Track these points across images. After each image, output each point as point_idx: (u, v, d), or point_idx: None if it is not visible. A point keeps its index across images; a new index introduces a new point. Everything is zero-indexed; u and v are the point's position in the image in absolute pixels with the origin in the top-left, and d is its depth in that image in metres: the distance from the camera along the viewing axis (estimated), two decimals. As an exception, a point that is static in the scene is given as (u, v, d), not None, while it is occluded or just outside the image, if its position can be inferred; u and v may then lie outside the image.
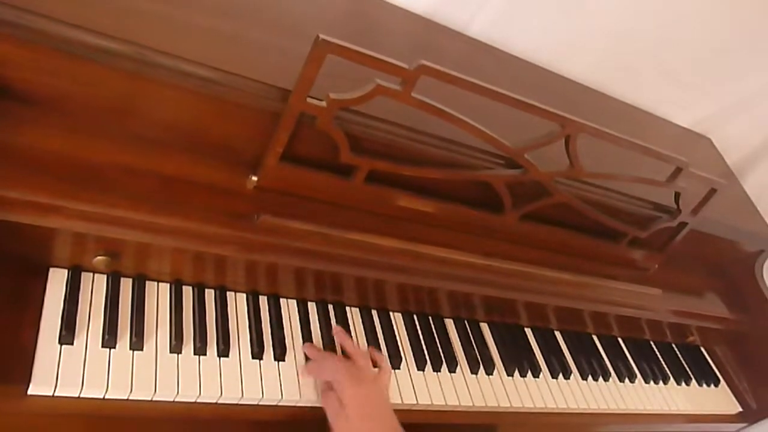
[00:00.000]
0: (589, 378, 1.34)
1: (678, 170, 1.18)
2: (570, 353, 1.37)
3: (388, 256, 1.04)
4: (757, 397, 1.60)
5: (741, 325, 1.56)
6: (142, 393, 0.87)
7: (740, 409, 1.57)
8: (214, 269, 1.01)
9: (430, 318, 1.23)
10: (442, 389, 1.12)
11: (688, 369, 1.56)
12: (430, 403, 1.09)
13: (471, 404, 1.14)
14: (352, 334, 1.11)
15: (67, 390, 0.83)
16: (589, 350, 1.41)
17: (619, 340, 1.50)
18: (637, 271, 1.39)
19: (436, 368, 1.15)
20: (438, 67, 0.90)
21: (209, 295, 1.02)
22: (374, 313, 1.17)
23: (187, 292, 1.00)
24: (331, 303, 1.13)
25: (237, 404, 0.94)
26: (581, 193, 1.19)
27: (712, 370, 1.62)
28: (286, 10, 1.15)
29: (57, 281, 0.90)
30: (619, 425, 1.37)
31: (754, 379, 1.62)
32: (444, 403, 1.11)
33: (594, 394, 1.32)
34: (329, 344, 1.06)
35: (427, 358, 1.15)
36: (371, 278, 1.11)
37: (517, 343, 1.30)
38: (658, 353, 1.54)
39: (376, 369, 1.06)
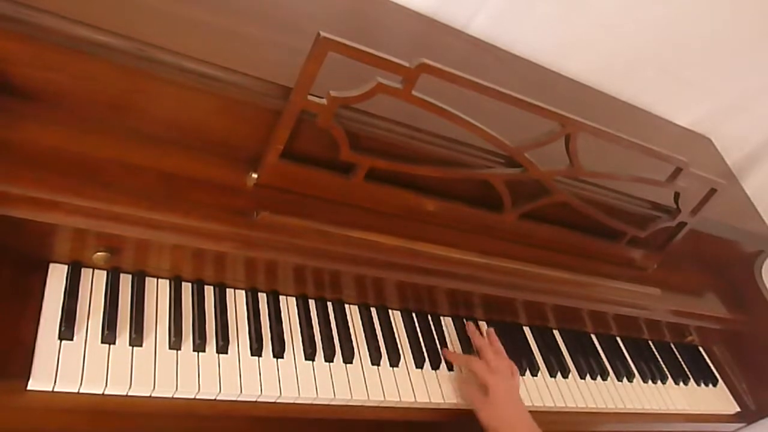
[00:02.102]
0: (588, 377, 1.34)
1: (678, 170, 1.19)
2: (568, 352, 1.37)
3: (388, 254, 1.04)
4: (755, 397, 1.61)
5: (739, 325, 1.56)
6: (141, 389, 0.87)
7: (738, 409, 1.57)
8: (213, 266, 1.01)
9: (428, 316, 1.23)
10: (440, 387, 1.12)
11: (686, 369, 1.56)
12: (428, 401, 1.09)
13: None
14: (351, 331, 1.11)
15: (67, 385, 0.83)
16: (588, 349, 1.41)
17: (618, 339, 1.50)
18: (636, 271, 1.39)
19: (435, 366, 1.15)
20: (439, 65, 0.90)
21: (208, 291, 1.02)
22: (373, 310, 1.17)
23: (187, 288, 1.00)
24: (330, 300, 1.13)
25: (236, 401, 0.95)
26: (581, 192, 1.19)
27: (711, 369, 1.62)
28: (287, 7, 1.15)
29: (57, 277, 0.90)
30: (617, 424, 1.37)
31: (752, 379, 1.62)
32: (442, 401, 1.11)
33: (592, 394, 1.32)
34: (328, 342, 1.06)
35: (426, 356, 1.15)
36: (370, 276, 1.12)
37: (515, 342, 1.30)
38: (656, 353, 1.54)
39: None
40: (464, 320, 1.27)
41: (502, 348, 1.19)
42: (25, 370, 0.81)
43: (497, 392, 1.08)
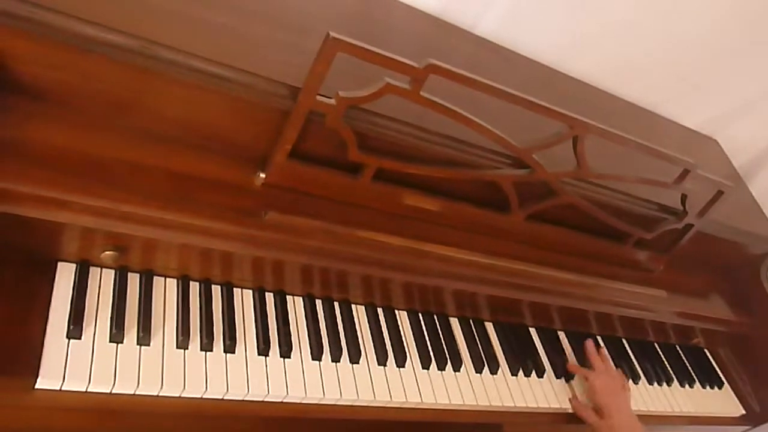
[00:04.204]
0: (593, 378, 1.34)
1: (685, 172, 1.18)
2: (574, 354, 1.37)
3: (395, 255, 1.04)
4: (760, 400, 1.60)
5: (745, 327, 1.56)
6: (148, 388, 0.87)
7: (743, 412, 1.57)
8: (221, 265, 1.01)
9: (435, 317, 1.23)
10: (446, 388, 1.12)
11: (691, 371, 1.56)
12: (434, 401, 1.09)
13: (475, 403, 1.14)
14: (358, 332, 1.11)
15: (75, 384, 0.83)
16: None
17: (623, 341, 1.50)
18: (642, 273, 1.39)
19: (441, 367, 1.15)
20: (447, 66, 0.90)
21: (216, 291, 1.02)
22: (380, 311, 1.17)
23: (194, 288, 1.00)
24: (337, 300, 1.13)
25: (243, 400, 0.95)
26: (588, 193, 1.19)
27: (716, 372, 1.62)
28: (295, 7, 1.15)
29: (65, 276, 0.91)
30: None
31: (757, 381, 1.62)
32: (448, 402, 1.11)
33: (598, 395, 1.32)
34: (335, 343, 1.06)
35: (432, 356, 1.15)
36: (377, 276, 1.12)
37: (521, 343, 1.30)
38: (661, 355, 1.54)
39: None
40: (470, 321, 1.27)
41: (613, 365, 1.34)
42: (33, 369, 0.81)
43: (614, 410, 1.22)
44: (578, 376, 1.31)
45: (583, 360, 1.35)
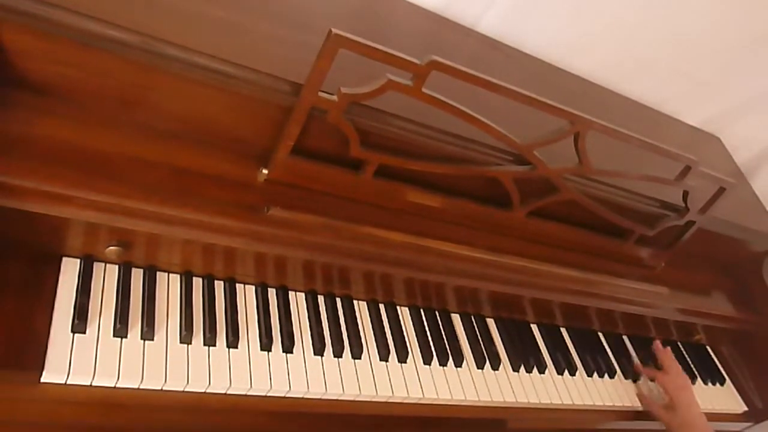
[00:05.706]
0: (595, 375, 1.35)
1: (687, 168, 1.18)
2: (575, 350, 1.37)
3: (397, 250, 1.05)
4: (762, 397, 1.60)
5: (747, 324, 1.56)
6: (152, 382, 0.88)
7: (746, 408, 1.57)
8: (223, 261, 1.02)
9: (437, 313, 1.23)
10: (448, 384, 1.13)
11: (693, 367, 1.56)
12: (436, 397, 1.10)
13: (476, 399, 1.14)
14: (360, 327, 1.11)
15: (80, 378, 0.84)
16: (595, 347, 1.41)
17: (625, 337, 1.50)
18: (643, 269, 1.39)
19: (443, 363, 1.15)
20: (449, 62, 0.90)
21: (219, 286, 1.03)
22: (382, 306, 1.17)
23: (197, 283, 1.01)
24: (339, 296, 1.14)
25: (245, 395, 0.95)
26: (589, 190, 1.19)
27: (718, 369, 1.62)
28: (298, 4, 1.15)
29: (70, 270, 0.91)
30: (625, 422, 1.37)
31: (760, 378, 1.62)
32: (450, 398, 1.11)
33: (599, 391, 1.32)
34: (337, 338, 1.07)
35: (434, 352, 1.16)
36: (379, 272, 1.12)
37: (523, 339, 1.31)
38: (664, 351, 1.54)
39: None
40: (472, 317, 1.27)
41: (678, 364, 1.39)
42: (38, 363, 0.82)
43: (684, 405, 1.29)
44: (644, 375, 1.40)
45: (584, 354, 1.36)
